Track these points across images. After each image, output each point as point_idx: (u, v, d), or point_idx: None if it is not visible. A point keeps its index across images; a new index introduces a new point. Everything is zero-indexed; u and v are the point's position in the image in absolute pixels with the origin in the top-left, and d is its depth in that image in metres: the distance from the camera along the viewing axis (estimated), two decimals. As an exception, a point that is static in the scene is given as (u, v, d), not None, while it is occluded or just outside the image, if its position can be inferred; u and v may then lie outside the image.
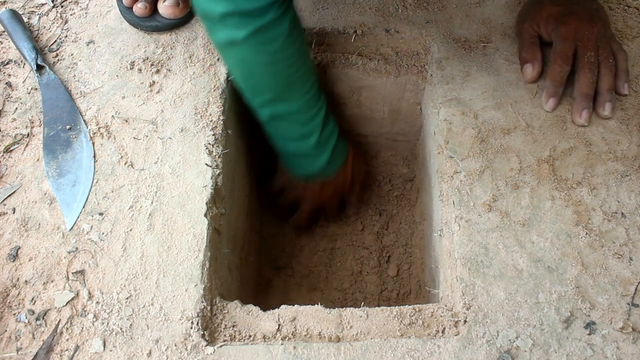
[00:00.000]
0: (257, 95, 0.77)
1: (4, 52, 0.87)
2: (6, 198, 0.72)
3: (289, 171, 0.92)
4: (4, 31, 0.88)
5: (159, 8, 0.86)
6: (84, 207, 0.71)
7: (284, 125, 0.81)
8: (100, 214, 0.70)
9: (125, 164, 0.74)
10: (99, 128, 0.77)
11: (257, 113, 0.81)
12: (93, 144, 0.76)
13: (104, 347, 0.61)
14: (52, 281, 0.65)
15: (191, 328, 0.61)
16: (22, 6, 0.92)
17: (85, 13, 0.90)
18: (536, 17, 0.81)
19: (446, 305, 0.65)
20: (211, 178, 0.72)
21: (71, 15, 0.90)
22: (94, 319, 0.62)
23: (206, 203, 0.70)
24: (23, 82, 0.83)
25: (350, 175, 0.93)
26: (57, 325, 0.62)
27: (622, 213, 0.68)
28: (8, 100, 0.81)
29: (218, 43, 0.72)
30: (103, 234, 0.68)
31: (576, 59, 0.77)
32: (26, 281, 0.65)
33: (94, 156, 0.75)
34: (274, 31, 0.67)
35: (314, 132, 0.81)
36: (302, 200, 0.96)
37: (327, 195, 0.94)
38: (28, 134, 0.78)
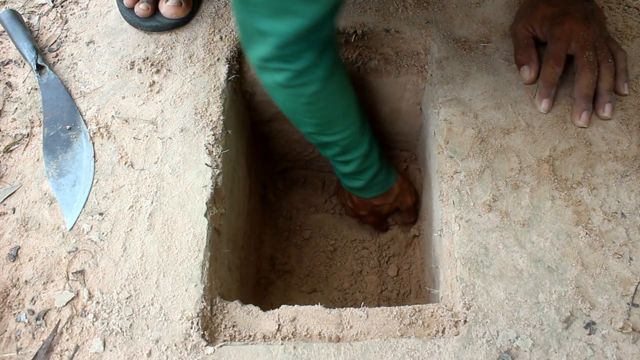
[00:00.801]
0: (301, 127, 0.79)
1: (4, 52, 0.87)
2: (6, 198, 0.72)
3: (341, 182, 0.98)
4: (4, 31, 0.88)
5: (161, 8, 0.86)
6: (84, 207, 0.71)
7: (327, 151, 0.83)
8: (100, 214, 0.70)
9: (125, 164, 0.74)
10: (99, 128, 0.77)
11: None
12: (93, 144, 0.76)
13: (104, 347, 0.61)
14: (52, 281, 0.65)
15: (191, 328, 0.61)
16: (22, 6, 0.92)
17: (85, 13, 0.90)
18: (531, 18, 0.81)
19: (446, 305, 0.65)
20: (211, 178, 0.72)
21: (71, 15, 0.90)
22: (94, 319, 0.62)
23: (206, 203, 0.70)
24: (23, 82, 0.83)
25: (390, 205, 0.97)
26: (57, 325, 0.62)
27: (622, 213, 0.68)
28: (8, 100, 0.81)
29: (264, 83, 0.73)
30: (103, 234, 0.68)
31: (575, 60, 0.77)
32: (26, 281, 0.65)
33: (94, 156, 0.75)
34: (312, 75, 0.67)
35: (352, 162, 0.84)
36: (344, 205, 1.06)
37: (362, 212, 1.00)
38: (28, 134, 0.78)
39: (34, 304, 0.64)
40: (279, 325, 0.63)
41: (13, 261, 0.67)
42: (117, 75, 0.82)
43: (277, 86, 0.68)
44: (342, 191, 1.01)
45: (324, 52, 0.66)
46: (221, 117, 0.77)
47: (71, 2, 0.92)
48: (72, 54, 0.85)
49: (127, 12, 0.87)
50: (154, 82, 0.81)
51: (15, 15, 0.86)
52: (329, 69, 0.68)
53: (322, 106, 0.73)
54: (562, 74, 0.77)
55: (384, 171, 0.90)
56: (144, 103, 0.79)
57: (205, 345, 0.60)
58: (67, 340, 0.61)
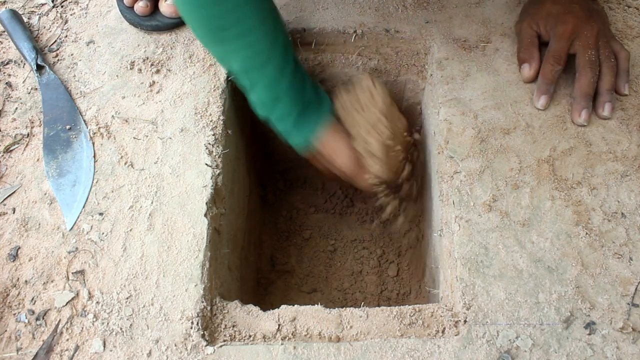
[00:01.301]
0: (198, 18, 0.69)
1: (4, 52, 0.87)
2: (6, 198, 0.72)
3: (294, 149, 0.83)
4: (4, 31, 0.88)
5: (161, 7, 0.86)
6: (84, 207, 0.71)
7: (234, 62, 0.72)
8: (100, 214, 0.70)
9: (125, 164, 0.74)
10: (99, 128, 0.77)
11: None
12: (93, 144, 0.76)
13: (104, 347, 0.61)
14: (52, 281, 0.65)
15: (191, 328, 0.61)
16: (22, 6, 0.92)
17: (85, 13, 0.90)
18: (535, 16, 0.81)
19: (446, 305, 0.65)
20: (211, 178, 0.72)
21: (71, 15, 0.90)
22: (94, 319, 0.62)
23: (206, 203, 0.70)
24: (23, 82, 0.83)
25: (342, 138, 0.79)
26: (57, 325, 0.62)
27: (622, 213, 0.68)
28: (8, 100, 0.81)
29: None
30: (103, 234, 0.68)
31: (577, 58, 0.77)
32: (26, 281, 0.65)
33: (94, 156, 0.75)
34: None
35: (264, 74, 0.72)
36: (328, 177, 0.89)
37: (331, 165, 0.83)
38: (28, 134, 0.78)
39: (34, 304, 0.64)
40: (279, 325, 0.63)
41: (13, 261, 0.67)
42: (117, 75, 0.82)
43: None
44: (311, 160, 0.85)
45: None
46: (221, 117, 0.77)
47: (71, 2, 0.92)
48: (72, 54, 0.85)
49: (127, 12, 0.87)
50: (154, 82, 0.81)
51: (15, 15, 0.86)
52: None
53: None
54: (562, 74, 0.77)
55: (320, 90, 0.77)
56: (144, 103, 0.79)
57: (205, 345, 0.60)
58: (67, 340, 0.61)
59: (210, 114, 0.77)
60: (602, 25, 0.78)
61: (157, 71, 0.82)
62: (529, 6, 0.84)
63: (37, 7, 0.92)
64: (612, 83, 0.76)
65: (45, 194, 0.72)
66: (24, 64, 0.85)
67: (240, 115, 0.89)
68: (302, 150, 0.81)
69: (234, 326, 0.63)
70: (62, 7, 0.91)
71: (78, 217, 0.70)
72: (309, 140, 0.79)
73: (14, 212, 0.71)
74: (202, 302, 0.63)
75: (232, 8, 0.66)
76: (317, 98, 0.79)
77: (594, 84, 0.75)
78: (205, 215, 0.69)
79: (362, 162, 0.79)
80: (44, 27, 0.89)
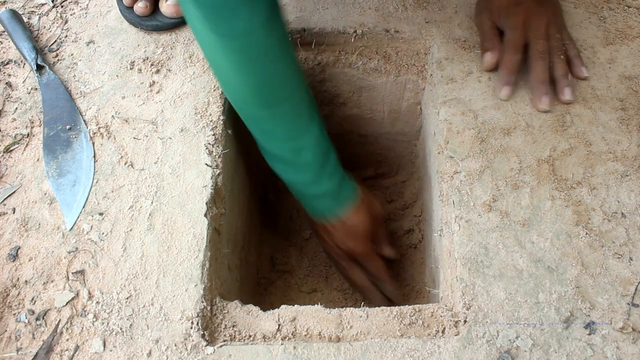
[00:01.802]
0: (239, 102, 0.71)
1: (4, 52, 0.87)
2: (6, 198, 0.72)
3: (307, 213, 0.85)
4: (4, 31, 0.88)
5: (161, 7, 0.86)
6: (84, 207, 0.71)
7: (272, 141, 0.74)
8: (100, 214, 0.70)
9: (125, 164, 0.74)
10: (99, 128, 0.77)
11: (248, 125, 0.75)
12: (93, 144, 0.76)
13: (104, 347, 0.61)
14: (52, 281, 0.65)
15: (191, 328, 0.61)
16: (22, 6, 0.92)
17: (85, 13, 0.90)
18: (489, 8, 0.82)
19: (446, 305, 0.65)
20: (211, 178, 0.72)
21: (71, 15, 0.90)
22: (94, 319, 0.62)
23: (206, 203, 0.70)
24: (23, 82, 0.83)
25: (367, 219, 0.83)
26: (57, 325, 0.62)
27: (622, 213, 0.68)
28: (8, 100, 0.81)
29: (197, 37, 0.65)
30: (103, 234, 0.68)
31: (528, 49, 0.78)
32: (26, 281, 0.65)
33: (94, 156, 0.75)
34: (240, 10, 0.58)
35: (304, 151, 0.73)
36: (329, 255, 0.91)
37: (348, 243, 0.84)
38: (28, 134, 0.78)
39: (34, 304, 0.64)
40: (279, 325, 0.63)
41: (13, 261, 0.67)
42: (117, 75, 0.82)
43: (216, 36, 0.59)
44: (320, 231, 0.87)
45: None
46: (221, 117, 0.77)
47: (71, 2, 0.92)
48: (72, 54, 0.85)
49: (127, 12, 0.87)
50: (154, 82, 0.81)
51: (15, 15, 0.86)
52: (269, 8, 0.60)
53: (268, 66, 0.64)
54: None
55: (342, 170, 0.79)
56: (144, 103, 0.79)
57: (205, 345, 0.60)
58: (67, 340, 0.61)
59: (210, 114, 0.77)
60: (552, 15, 0.80)
61: (157, 71, 0.82)
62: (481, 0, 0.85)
63: (37, 7, 0.92)
64: (565, 69, 0.78)
65: (45, 194, 0.72)
66: (24, 64, 0.85)
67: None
68: (353, 201, 0.81)
69: (234, 326, 0.63)
70: (62, 7, 0.91)
71: (78, 217, 0.70)
72: (345, 205, 0.81)
73: (14, 212, 0.71)
74: (202, 302, 0.63)
75: (281, 71, 0.66)
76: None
77: (546, 70, 0.77)
78: (205, 215, 0.69)
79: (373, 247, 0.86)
80: (44, 27, 0.89)
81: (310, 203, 0.82)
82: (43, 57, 0.83)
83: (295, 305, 0.64)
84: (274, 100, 0.68)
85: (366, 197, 0.85)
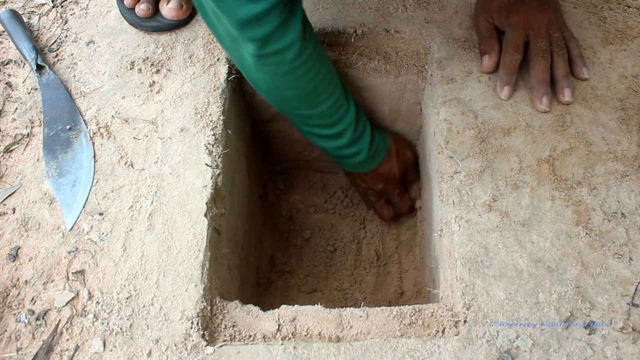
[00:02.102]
0: (288, 107, 0.78)
1: (4, 52, 0.87)
2: (6, 198, 0.72)
3: (339, 167, 0.95)
4: (4, 31, 0.88)
5: (162, 10, 0.86)
6: (84, 207, 0.71)
7: (314, 128, 0.82)
8: (100, 214, 0.70)
9: (125, 164, 0.74)
10: (99, 128, 0.77)
11: (288, 117, 0.83)
12: (93, 144, 0.76)
13: (104, 347, 0.61)
14: (52, 281, 0.65)
15: (191, 328, 0.61)
16: (22, 6, 0.92)
17: (85, 13, 0.90)
18: (489, 9, 0.82)
19: (446, 305, 0.65)
20: (211, 178, 0.72)
21: (71, 15, 0.90)
22: (94, 319, 0.62)
23: (206, 203, 0.70)
24: (23, 82, 0.83)
25: (397, 165, 0.94)
26: (57, 325, 0.62)
27: (622, 213, 0.68)
28: (8, 100, 0.81)
29: (241, 66, 0.73)
30: (103, 234, 0.68)
31: (529, 48, 0.78)
32: (26, 281, 0.65)
33: (94, 156, 0.75)
34: (284, 38, 0.66)
35: (345, 132, 0.82)
36: (363, 194, 1.03)
37: (379, 185, 0.95)
38: (28, 134, 0.78)
39: (34, 304, 0.64)
40: (279, 325, 0.63)
41: (13, 261, 0.67)
42: (117, 75, 0.82)
43: (253, 59, 0.67)
44: (354, 177, 0.98)
45: (290, 12, 0.65)
46: (221, 117, 0.77)
47: (71, 2, 0.92)
48: (72, 54, 0.85)
49: (128, 12, 0.87)
50: (154, 82, 0.81)
51: (15, 15, 0.86)
52: (301, 29, 0.67)
53: (303, 72, 0.71)
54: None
55: (376, 131, 0.89)
56: (144, 103, 0.79)
57: (205, 345, 0.60)
58: (67, 340, 0.61)
59: (210, 114, 0.77)
60: (553, 14, 0.80)
61: (157, 71, 0.82)
62: (481, 0, 0.85)
63: (37, 7, 0.92)
64: (566, 69, 0.78)
65: (45, 194, 0.72)
66: (24, 64, 0.85)
67: (240, 115, 0.89)
68: (384, 156, 0.91)
69: (234, 326, 0.63)
70: (62, 7, 0.91)
71: (78, 217, 0.70)
72: (378, 159, 0.90)
73: (14, 212, 0.71)
74: (202, 302, 0.63)
75: (315, 69, 0.73)
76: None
77: (547, 70, 0.77)
78: (205, 215, 0.69)
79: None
80: (44, 27, 0.89)
81: (346, 162, 0.90)
82: (43, 57, 0.83)
83: (295, 305, 0.64)
84: (316, 102, 0.76)
85: (398, 145, 0.95)
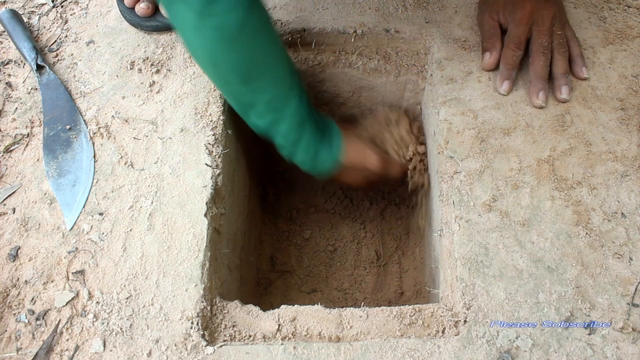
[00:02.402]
0: (218, 79, 0.73)
1: (4, 52, 0.87)
2: (6, 198, 0.72)
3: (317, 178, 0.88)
4: (4, 31, 0.88)
5: (162, 9, 0.86)
6: (84, 207, 0.71)
7: (252, 117, 0.75)
8: (100, 214, 0.70)
9: (125, 164, 0.74)
10: (99, 128, 0.77)
11: (227, 98, 0.77)
12: (93, 144, 0.76)
13: (104, 347, 0.61)
14: (52, 281, 0.65)
15: (191, 328, 0.61)
16: (22, 6, 0.92)
17: (85, 13, 0.90)
18: (494, 5, 0.82)
19: (446, 305, 0.65)
20: (211, 178, 0.72)
21: (71, 15, 0.90)
22: (94, 319, 0.62)
23: (206, 203, 0.70)
24: (23, 82, 0.83)
25: (362, 150, 0.86)
26: (57, 325, 0.62)
27: (622, 213, 0.68)
28: (8, 100, 0.81)
29: (180, 25, 0.67)
30: (103, 234, 0.68)
31: (530, 44, 0.79)
32: (26, 281, 0.65)
33: (94, 156, 0.75)
34: (228, 2, 0.62)
35: (278, 134, 0.76)
36: (353, 186, 0.94)
37: (357, 177, 0.88)
38: (28, 134, 0.78)
39: (34, 304, 0.64)
40: (279, 325, 0.63)
41: (13, 261, 0.67)
42: (117, 75, 0.82)
43: (195, 17, 0.63)
44: (335, 178, 0.89)
45: None
46: (221, 117, 0.77)
47: (71, 2, 0.92)
48: (72, 54, 0.85)
49: (128, 12, 0.87)
50: (154, 82, 0.81)
51: (15, 15, 0.86)
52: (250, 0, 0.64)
53: (243, 43, 0.66)
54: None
55: (324, 127, 0.81)
56: (144, 103, 0.79)
57: (205, 345, 0.60)
58: (67, 340, 0.61)
59: (210, 114, 0.77)
60: (557, 10, 0.80)
61: (157, 71, 0.82)
62: None
63: (37, 7, 0.92)
64: (566, 67, 0.78)
65: (45, 194, 0.72)
66: (24, 64, 0.85)
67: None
68: (330, 171, 0.83)
69: (234, 326, 0.63)
70: (62, 7, 0.91)
71: (78, 217, 0.70)
72: (338, 157, 0.82)
73: (14, 212, 0.71)
74: (202, 302, 0.63)
75: (260, 49, 0.68)
76: (321, 115, 0.83)
77: (546, 67, 0.77)
78: (205, 215, 0.69)
79: (385, 156, 0.87)
80: (44, 27, 0.89)
81: (310, 165, 0.82)
82: (43, 57, 0.83)
83: (295, 305, 0.64)
84: (252, 76, 0.70)
85: (350, 136, 0.85)
